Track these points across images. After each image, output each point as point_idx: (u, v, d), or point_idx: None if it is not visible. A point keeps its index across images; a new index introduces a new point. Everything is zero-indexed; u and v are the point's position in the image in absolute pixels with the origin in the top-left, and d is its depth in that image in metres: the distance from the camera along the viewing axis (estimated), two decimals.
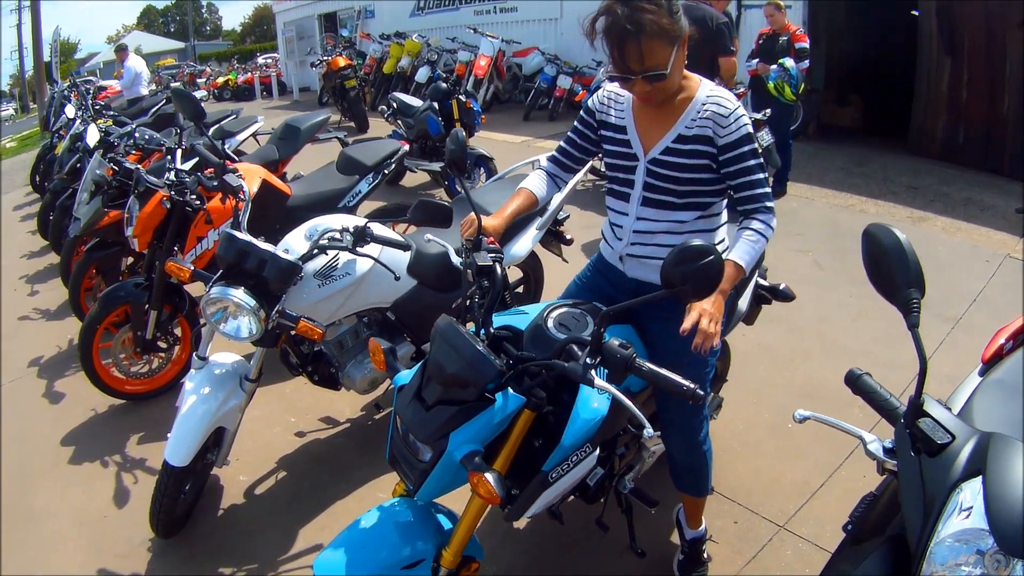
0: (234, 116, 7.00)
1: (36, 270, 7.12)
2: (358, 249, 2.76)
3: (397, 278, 2.97)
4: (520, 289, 4.25)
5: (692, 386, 1.58)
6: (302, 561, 2.93)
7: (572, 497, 2.36)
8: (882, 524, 1.64)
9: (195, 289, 4.18)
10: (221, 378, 2.94)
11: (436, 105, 7.15)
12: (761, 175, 2.13)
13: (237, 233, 2.68)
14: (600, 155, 2.45)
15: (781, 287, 2.94)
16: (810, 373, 4.02)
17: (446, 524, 2.09)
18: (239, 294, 2.60)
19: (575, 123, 2.44)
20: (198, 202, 3.56)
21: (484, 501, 1.79)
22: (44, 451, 3.91)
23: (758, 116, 6.25)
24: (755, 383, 3.89)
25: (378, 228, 2.83)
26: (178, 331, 4.23)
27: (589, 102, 2.38)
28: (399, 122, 7.94)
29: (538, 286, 4.26)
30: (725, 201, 2.30)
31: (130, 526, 3.21)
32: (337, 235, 2.78)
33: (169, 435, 2.82)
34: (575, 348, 1.77)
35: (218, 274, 2.70)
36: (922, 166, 8.17)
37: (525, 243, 3.60)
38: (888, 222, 1.69)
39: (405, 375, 2.03)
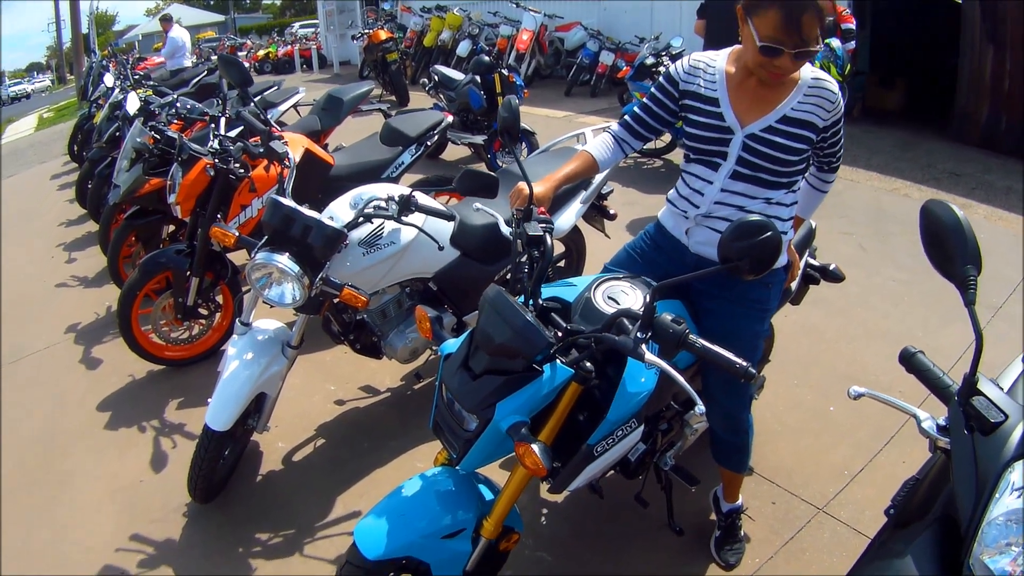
0: (276, 87, 7.00)
1: (74, 238, 7.22)
2: (403, 218, 2.75)
3: (441, 248, 2.96)
4: (562, 263, 4.21)
5: (745, 364, 1.54)
6: (340, 527, 2.96)
7: (612, 472, 2.34)
8: (925, 508, 1.62)
9: (238, 257, 4.20)
10: (263, 344, 2.96)
11: (478, 78, 7.08)
12: (843, 140, 2.25)
13: (283, 199, 2.68)
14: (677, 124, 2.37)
15: (831, 267, 2.88)
16: (852, 355, 3.97)
17: (487, 495, 2.09)
18: (283, 260, 2.60)
19: (652, 90, 2.34)
20: (242, 170, 3.57)
21: (529, 472, 1.79)
22: (80, 416, 3.97)
23: None
24: (797, 364, 3.85)
25: (422, 198, 2.82)
26: (219, 298, 4.27)
27: (671, 70, 2.28)
28: (441, 95, 7.93)
29: (580, 260, 4.22)
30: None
31: (166, 491, 3.26)
32: (382, 204, 2.77)
33: (210, 400, 2.85)
34: (626, 322, 1.74)
35: (263, 240, 2.71)
36: (964, 153, 8.02)
37: (569, 217, 3.56)
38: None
39: (452, 344, 2.02)
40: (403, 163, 4.61)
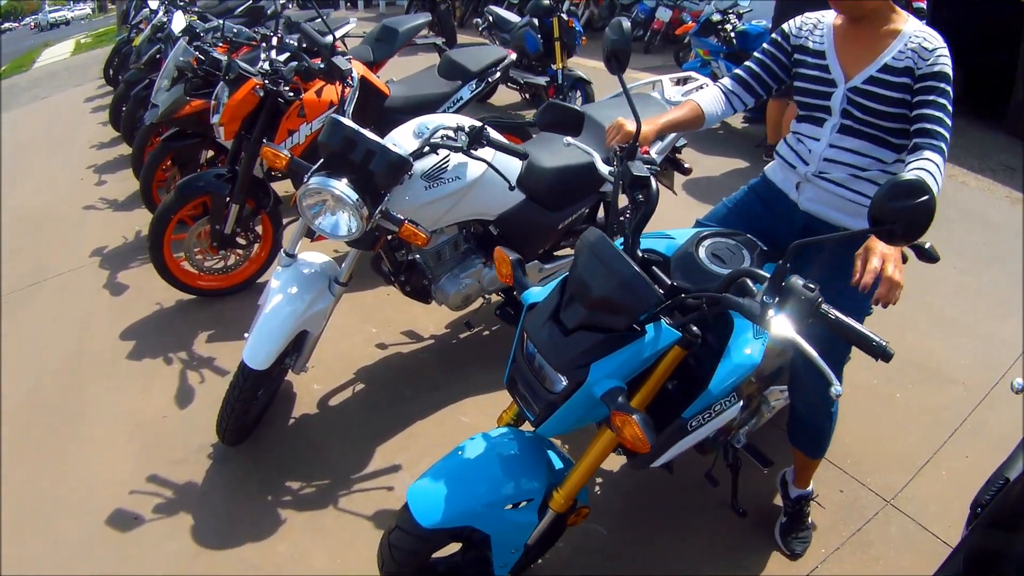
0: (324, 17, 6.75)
1: (105, 160, 7.08)
2: (472, 151, 2.51)
3: (512, 187, 2.69)
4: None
5: (884, 342, 1.36)
6: (378, 481, 2.79)
7: None
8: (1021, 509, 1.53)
9: (280, 188, 4.00)
10: (309, 278, 2.74)
11: (536, 21, 6.78)
12: (947, 117, 1.94)
13: (344, 119, 2.42)
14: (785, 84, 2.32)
15: (927, 246, 2.64)
16: (916, 343, 3.78)
17: (557, 463, 1.91)
18: (341, 186, 2.35)
19: (765, 45, 2.32)
20: (291, 93, 3.34)
21: (628, 446, 1.58)
22: (102, 344, 3.81)
23: None
24: None
25: (493, 132, 2.57)
26: (259, 228, 4.06)
27: (784, 26, 2.28)
28: (495, 37, 7.70)
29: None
30: None
31: (191, 429, 3.10)
32: (451, 134, 2.54)
33: (248, 335, 2.65)
34: (749, 282, 1.52)
35: (318, 163, 2.47)
36: (1019, 147, 7.82)
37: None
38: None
39: (537, 292, 1.82)
40: (461, 99, 4.36)
